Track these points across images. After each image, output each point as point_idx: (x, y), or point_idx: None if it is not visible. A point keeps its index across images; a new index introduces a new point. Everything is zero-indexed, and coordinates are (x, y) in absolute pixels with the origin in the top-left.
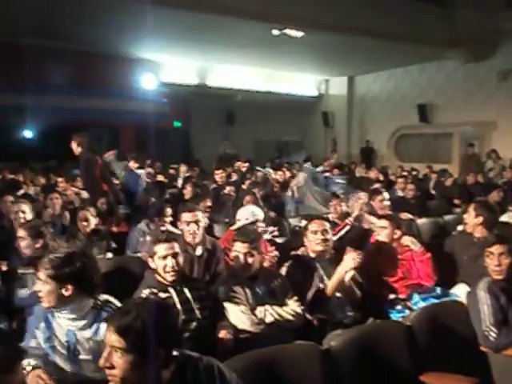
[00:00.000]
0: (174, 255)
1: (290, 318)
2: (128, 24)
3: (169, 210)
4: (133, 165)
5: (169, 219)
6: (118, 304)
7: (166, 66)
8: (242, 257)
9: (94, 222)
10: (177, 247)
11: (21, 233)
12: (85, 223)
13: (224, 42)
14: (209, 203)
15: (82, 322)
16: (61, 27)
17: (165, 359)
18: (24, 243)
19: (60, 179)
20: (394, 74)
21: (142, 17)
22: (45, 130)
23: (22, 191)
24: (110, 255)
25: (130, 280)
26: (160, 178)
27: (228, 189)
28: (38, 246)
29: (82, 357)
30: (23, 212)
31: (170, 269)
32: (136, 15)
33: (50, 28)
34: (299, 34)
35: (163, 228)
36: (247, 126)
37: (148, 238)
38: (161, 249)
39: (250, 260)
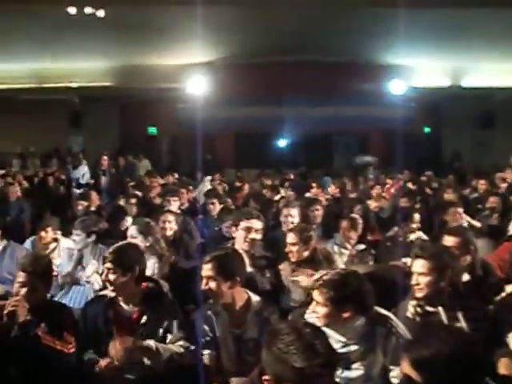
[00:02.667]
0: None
1: None
2: (378, 31)
3: (417, 216)
4: None
5: (416, 225)
6: (394, 318)
7: (416, 69)
8: None
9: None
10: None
11: (291, 237)
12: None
13: (482, 36)
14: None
15: (353, 348)
16: (312, 43)
17: None
18: (295, 248)
19: (313, 185)
20: None
21: (391, 22)
22: (296, 139)
23: (279, 196)
24: (371, 263)
25: (389, 288)
26: (409, 185)
27: (491, 200)
28: (308, 249)
29: (354, 366)
30: (292, 216)
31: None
32: (385, 21)
33: (302, 45)
34: None
35: (413, 235)
36: (510, 129)
37: None
38: None
39: None
